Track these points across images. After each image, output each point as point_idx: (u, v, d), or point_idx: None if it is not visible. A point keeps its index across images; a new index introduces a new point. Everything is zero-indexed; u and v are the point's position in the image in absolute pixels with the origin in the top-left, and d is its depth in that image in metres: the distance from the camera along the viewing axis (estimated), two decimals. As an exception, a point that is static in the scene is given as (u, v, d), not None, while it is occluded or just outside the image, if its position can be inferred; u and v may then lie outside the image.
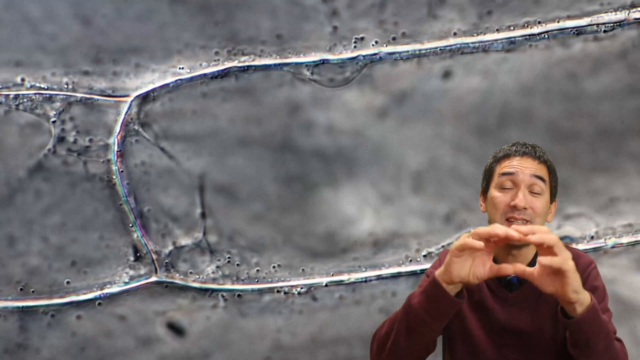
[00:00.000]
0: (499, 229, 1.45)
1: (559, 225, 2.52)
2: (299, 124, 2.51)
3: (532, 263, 1.73)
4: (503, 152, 1.75)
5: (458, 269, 1.48)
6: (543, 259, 1.43)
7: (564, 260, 1.42)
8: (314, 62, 2.47)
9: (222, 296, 2.51)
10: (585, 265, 1.73)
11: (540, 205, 1.68)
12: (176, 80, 2.47)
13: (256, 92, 2.49)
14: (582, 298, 1.47)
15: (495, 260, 1.72)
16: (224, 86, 2.48)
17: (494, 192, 1.71)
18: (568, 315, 1.50)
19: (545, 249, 1.44)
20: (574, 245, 2.47)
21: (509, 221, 1.67)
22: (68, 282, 2.46)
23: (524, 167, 1.69)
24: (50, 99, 2.45)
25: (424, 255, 2.51)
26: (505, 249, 1.72)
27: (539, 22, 2.46)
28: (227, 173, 2.51)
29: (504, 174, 1.70)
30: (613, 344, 1.56)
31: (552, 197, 1.74)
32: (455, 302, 1.53)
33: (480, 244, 1.45)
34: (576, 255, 1.65)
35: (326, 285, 2.53)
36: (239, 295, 2.53)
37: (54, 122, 2.46)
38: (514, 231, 1.43)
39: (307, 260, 2.53)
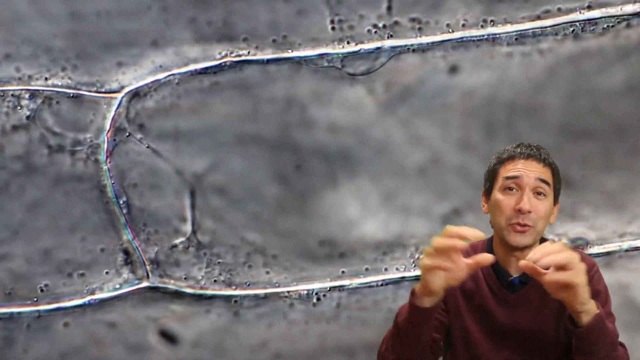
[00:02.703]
0: (466, 231, 1.48)
1: (572, 227, 2.51)
2: (298, 121, 2.50)
3: None
4: (507, 153, 1.78)
5: (435, 281, 1.51)
6: (551, 276, 1.47)
7: (575, 275, 1.46)
8: (312, 56, 2.46)
9: (220, 304, 2.52)
10: (588, 268, 1.67)
11: (544, 209, 1.71)
12: (169, 76, 2.47)
13: (253, 88, 2.48)
14: (589, 308, 1.51)
15: (497, 262, 1.76)
16: (219, 81, 2.48)
17: (498, 195, 1.74)
18: (575, 323, 1.54)
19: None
20: (586, 250, 2.48)
21: (511, 226, 1.71)
22: (42, 290, 2.49)
23: (528, 171, 1.72)
24: (36, 94, 2.46)
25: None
26: (507, 251, 1.76)
27: (551, 14, 2.45)
28: (222, 173, 2.51)
29: (508, 177, 1.73)
30: (617, 351, 1.62)
31: (555, 199, 1.77)
32: (432, 312, 1.59)
33: (448, 265, 1.49)
34: None
35: (327, 290, 2.53)
36: (235, 301, 2.53)
37: (40, 119, 2.46)
38: (478, 232, 1.48)
39: (306, 264, 2.53)
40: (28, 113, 2.46)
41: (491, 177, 1.78)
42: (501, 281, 1.77)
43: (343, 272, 2.52)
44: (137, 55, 2.46)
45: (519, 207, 1.68)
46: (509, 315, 1.76)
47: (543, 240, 1.80)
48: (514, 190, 1.72)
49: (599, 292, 1.72)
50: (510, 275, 1.77)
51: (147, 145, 2.47)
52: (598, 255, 2.45)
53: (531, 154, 1.74)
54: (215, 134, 2.49)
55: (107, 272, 2.50)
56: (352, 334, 2.53)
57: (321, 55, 2.46)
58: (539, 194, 1.71)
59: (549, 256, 1.45)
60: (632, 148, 2.46)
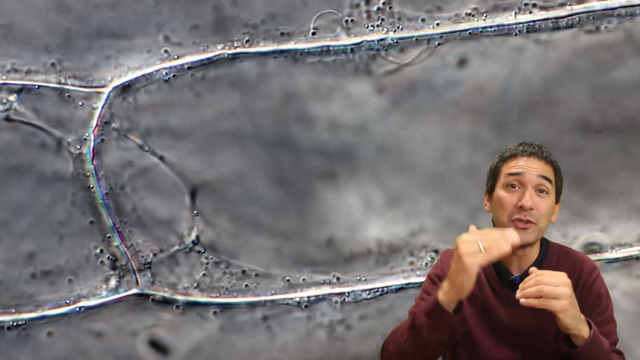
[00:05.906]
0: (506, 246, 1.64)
1: (587, 229, 2.50)
2: (297, 117, 2.49)
3: (535, 263, 1.82)
4: (510, 151, 1.86)
5: (470, 283, 1.65)
6: (531, 302, 1.64)
7: (558, 310, 1.61)
8: (312, 48, 2.45)
9: (214, 312, 2.51)
10: (590, 271, 1.83)
11: (546, 206, 1.78)
12: (159, 69, 2.46)
13: (249, 82, 2.47)
14: (579, 332, 1.63)
15: (499, 262, 1.85)
16: (213, 75, 2.47)
17: (500, 192, 1.81)
18: (570, 343, 1.67)
19: None
20: (598, 256, 2.46)
21: (514, 222, 1.78)
22: None
23: (531, 168, 1.80)
24: (21, 90, 2.44)
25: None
26: None
27: (565, 4, 2.44)
28: (216, 172, 2.50)
29: (511, 174, 1.81)
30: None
31: (557, 198, 1.85)
32: (458, 318, 1.70)
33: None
34: (580, 260, 1.84)
35: (327, 297, 2.51)
36: (229, 309, 2.51)
37: (22, 115, 2.45)
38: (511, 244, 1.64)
39: (305, 269, 2.51)
40: (10, 109, 2.45)
41: (494, 175, 1.86)
42: (503, 280, 1.83)
43: (344, 277, 2.49)
44: (127, 48, 2.45)
45: (521, 203, 1.75)
46: (511, 314, 1.81)
47: (543, 240, 1.85)
48: (516, 187, 1.79)
49: (599, 296, 1.79)
50: (511, 274, 1.82)
51: (134, 143, 2.46)
52: (615, 260, 2.45)
53: (533, 151, 1.81)
54: (208, 130, 2.48)
55: (93, 279, 2.49)
56: (355, 343, 2.51)
57: (321, 48, 2.46)
58: (541, 191, 1.78)
59: (541, 300, 1.61)
60: (651, 146, 2.47)
